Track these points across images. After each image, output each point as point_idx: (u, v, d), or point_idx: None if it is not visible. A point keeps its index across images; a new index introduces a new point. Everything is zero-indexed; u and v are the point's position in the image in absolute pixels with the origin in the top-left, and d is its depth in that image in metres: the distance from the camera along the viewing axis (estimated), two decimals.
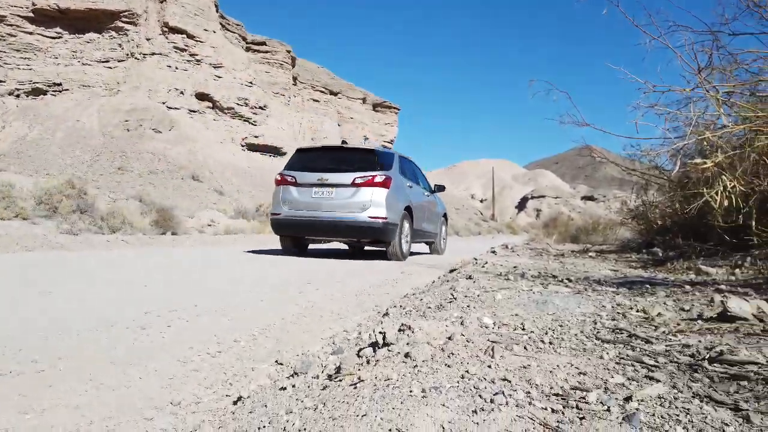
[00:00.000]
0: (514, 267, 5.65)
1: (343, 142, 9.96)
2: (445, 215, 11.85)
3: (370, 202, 7.88)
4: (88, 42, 35.60)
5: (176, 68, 37.72)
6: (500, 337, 2.12)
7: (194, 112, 37.86)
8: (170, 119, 34.55)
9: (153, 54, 36.79)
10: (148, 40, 36.80)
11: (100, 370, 2.27)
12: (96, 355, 2.47)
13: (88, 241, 9.60)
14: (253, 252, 9.61)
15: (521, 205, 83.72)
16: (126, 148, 30.21)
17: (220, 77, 39.86)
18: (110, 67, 35.85)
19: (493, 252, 9.35)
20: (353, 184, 7.97)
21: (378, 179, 7.99)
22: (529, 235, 28.54)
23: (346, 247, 12.22)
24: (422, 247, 13.37)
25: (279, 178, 8.52)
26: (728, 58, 4.15)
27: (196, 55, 38.94)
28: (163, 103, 35.60)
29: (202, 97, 38.68)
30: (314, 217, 8.03)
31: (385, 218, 7.91)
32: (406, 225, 8.76)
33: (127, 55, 36.27)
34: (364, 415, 1.40)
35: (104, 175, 26.61)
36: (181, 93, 37.08)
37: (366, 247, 11.06)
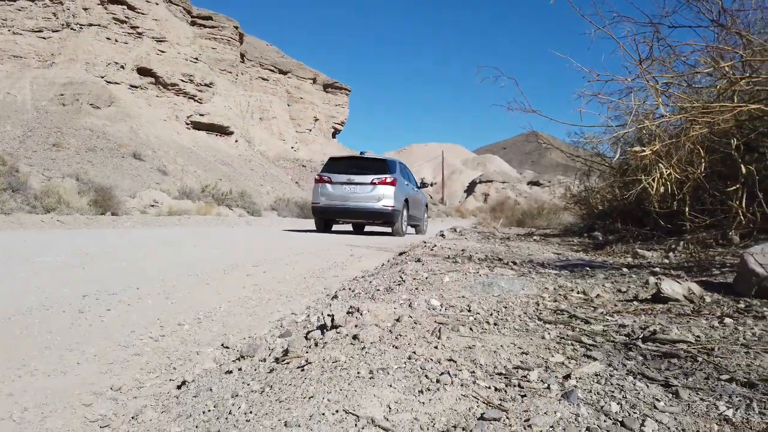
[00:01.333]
0: (462, 250, 5.75)
1: (362, 153, 13.13)
2: (426, 205, 15.35)
3: (383, 195, 11.12)
4: (19, 10, 33.47)
5: (116, 41, 35.98)
6: (447, 319, 2.16)
7: (136, 87, 36.31)
8: (110, 94, 33.04)
9: (90, 25, 34.94)
10: (85, 10, 34.90)
11: (35, 356, 2.17)
12: (30, 340, 2.36)
13: (20, 221, 9.13)
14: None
15: (470, 190, 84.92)
16: (61, 123, 28.74)
17: (163, 52, 38.31)
18: (44, 38, 33.84)
19: (442, 235, 9.49)
20: (371, 183, 11.20)
21: (388, 180, 11.25)
22: (477, 219, 29.07)
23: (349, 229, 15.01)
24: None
25: (318, 178, 11.66)
26: (668, 49, 4.31)
27: (138, 27, 37.24)
28: (102, 77, 33.95)
29: (144, 72, 37.10)
30: (344, 206, 11.27)
31: (393, 206, 11.15)
32: (405, 212, 11.94)
33: (63, 25, 34.33)
34: (312, 397, 1.40)
35: (38, 151, 25.29)
36: (122, 67, 35.46)
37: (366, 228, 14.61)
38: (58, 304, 3.02)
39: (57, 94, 30.94)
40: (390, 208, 11.11)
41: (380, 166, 11.64)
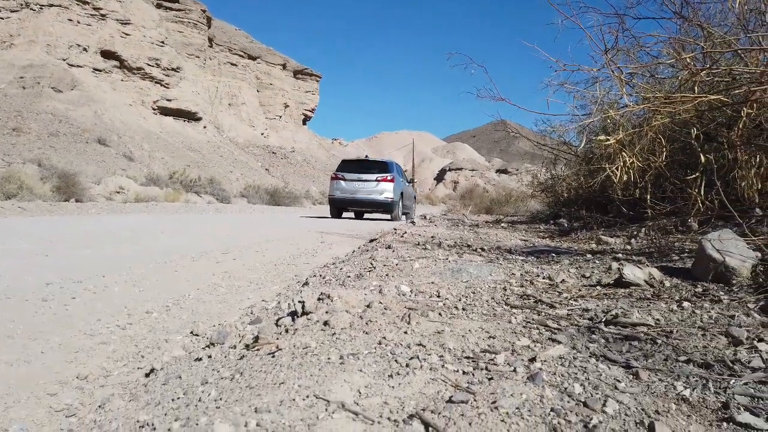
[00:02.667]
0: (432, 237, 5.80)
1: (366, 156, 17.03)
2: (414, 196, 18.84)
3: (385, 189, 14.22)
4: None
5: (78, 22, 34.81)
6: (417, 305, 2.18)
7: (99, 71, 35.26)
8: (72, 78, 32.01)
9: (51, 5, 33.70)
10: None
11: None
12: None
13: None
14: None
15: (440, 177, 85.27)
16: (22, 107, 27.76)
17: (128, 35, 37.24)
18: (1, 18, 32.52)
19: (412, 222, 9.55)
20: (376, 180, 14.34)
21: (389, 178, 14.40)
22: (447, 206, 29.28)
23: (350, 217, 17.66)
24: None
25: (334, 176, 14.84)
26: (632, 40, 4.37)
27: (101, 9, 36.09)
28: (64, 59, 32.86)
29: (108, 55, 36.03)
30: (354, 198, 14.42)
31: (393, 198, 14.24)
32: (401, 203, 15.00)
33: (21, 5, 33.03)
34: (282, 383, 1.41)
35: None
36: (84, 50, 34.37)
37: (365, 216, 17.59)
38: (20, 292, 2.95)
39: (17, 76, 29.85)
40: (390, 200, 14.28)
41: (382, 167, 14.98)
